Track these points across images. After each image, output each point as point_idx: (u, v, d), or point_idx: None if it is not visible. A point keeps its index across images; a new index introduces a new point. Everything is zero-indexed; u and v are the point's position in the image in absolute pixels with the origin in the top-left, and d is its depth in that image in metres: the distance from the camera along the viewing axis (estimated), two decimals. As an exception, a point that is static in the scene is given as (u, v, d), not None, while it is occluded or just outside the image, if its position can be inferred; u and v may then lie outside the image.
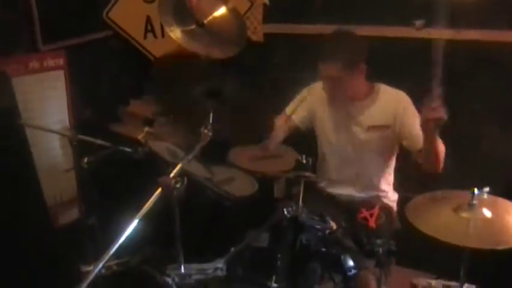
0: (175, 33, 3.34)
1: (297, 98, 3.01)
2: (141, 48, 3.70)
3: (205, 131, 2.17)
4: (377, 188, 2.93)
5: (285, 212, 2.12)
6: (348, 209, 2.55)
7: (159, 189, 2.00)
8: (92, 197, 2.99)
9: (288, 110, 3.00)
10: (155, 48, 3.76)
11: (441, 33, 3.39)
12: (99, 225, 2.78)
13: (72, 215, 3.52)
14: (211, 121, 2.18)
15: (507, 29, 3.18)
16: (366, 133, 2.83)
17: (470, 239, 2.10)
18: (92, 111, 3.34)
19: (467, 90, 3.33)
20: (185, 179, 2.03)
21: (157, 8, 3.43)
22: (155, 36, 3.76)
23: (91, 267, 2.39)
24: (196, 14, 3.38)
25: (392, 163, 2.98)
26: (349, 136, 2.88)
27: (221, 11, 3.47)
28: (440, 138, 3.08)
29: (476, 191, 2.16)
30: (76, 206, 3.53)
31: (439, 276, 2.56)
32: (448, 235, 2.09)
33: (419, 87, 2.92)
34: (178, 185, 2.01)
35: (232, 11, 3.53)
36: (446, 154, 3.14)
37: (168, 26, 3.34)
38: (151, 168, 2.61)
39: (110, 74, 3.49)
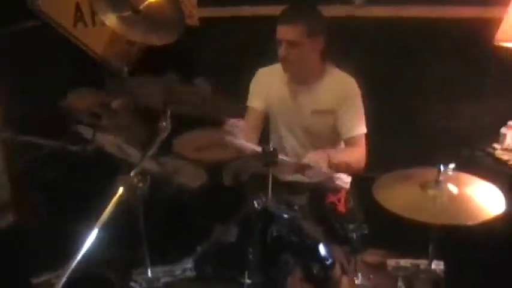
0: (110, 20, 3.16)
1: (251, 89, 2.94)
2: (71, 38, 3.47)
3: (164, 123, 2.03)
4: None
5: (255, 204, 2.02)
6: (312, 195, 2.49)
7: (120, 190, 1.85)
8: (33, 200, 2.79)
9: (249, 103, 2.92)
10: (86, 37, 3.55)
11: (382, 11, 3.40)
12: (46, 230, 2.59)
13: (5, 220, 3.27)
14: (169, 113, 2.04)
15: (449, 4, 3.20)
16: (310, 117, 2.80)
17: (438, 216, 2.08)
18: (26, 108, 3.10)
19: (413, 67, 3.35)
20: (148, 177, 1.89)
21: (90, -6, 3.26)
22: (86, 25, 3.54)
23: (43, 278, 2.23)
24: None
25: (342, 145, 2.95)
26: (296, 120, 2.84)
27: (157, -5, 3.33)
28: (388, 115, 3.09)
29: (442, 167, 2.14)
30: (10, 210, 3.30)
31: (405, 254, 2.55)
32: (415, 213, 2.06)
33: (358, 67, 2.92)
34: (141, 184, 1.87)
35: (169, -5, 3.39)
36: (398, 130, 3.15)
37: (102, 13, 3.15)
38: (102, 166, 2.46)
39: (42, 67, 3.23)
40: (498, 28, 2.86)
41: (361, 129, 2.77)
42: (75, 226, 2.06)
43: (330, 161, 2.51)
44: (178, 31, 3.36)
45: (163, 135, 2.06)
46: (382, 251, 2.55)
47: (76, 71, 3.32)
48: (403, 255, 2.51)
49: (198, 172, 3.12)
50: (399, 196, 2.16)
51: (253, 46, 3.69)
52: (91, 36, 3.55)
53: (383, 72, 3.42)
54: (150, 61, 3.67)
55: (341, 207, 2.13)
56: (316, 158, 2.45)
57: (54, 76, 3.16)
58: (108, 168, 2.37)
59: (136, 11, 3.22)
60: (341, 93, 2.75)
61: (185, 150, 3.17)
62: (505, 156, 3.01)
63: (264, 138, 2.93)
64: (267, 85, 2.91)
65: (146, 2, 3.27)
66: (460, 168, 2.23)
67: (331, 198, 2.18)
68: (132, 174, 1.90)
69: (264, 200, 2.02)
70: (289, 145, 2.88)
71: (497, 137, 3.10)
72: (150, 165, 2.65)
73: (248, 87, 3.03)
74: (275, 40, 2.74)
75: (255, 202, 2.02)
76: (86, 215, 1.88)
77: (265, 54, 3.38)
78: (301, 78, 2.81)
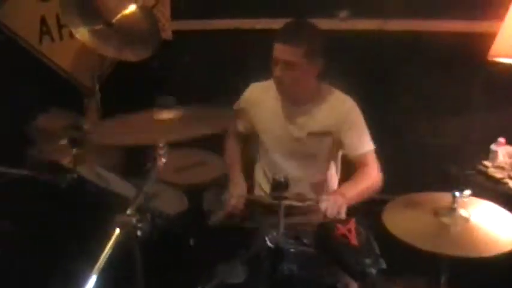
0: (82, 34, 2.99)
1: (240, 101, 2.80)
2: (37, 54, 3.22)
3: (160, 152, 1.84)
4: (319, 194, 2.73)
5: (268, 241, 1.83)
6: (319, 227, 2.31)
7: (117, 231, 1.65)
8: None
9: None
10: (53, 52, 3.32)
11: (367, 24, 3.29)
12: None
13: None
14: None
15: (436, 18, 3.12)
16: (306, 139, 2.65)
17: (452, 247, 1.94)
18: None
19: (399, 82, 3.26)
20: (148, 215, 1.68)
21: (59, 7, 3.04)
22: (52, 39, 3.30)
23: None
24: (104, 12, 3.02)
25: (335, 167, 2.82)
26: (291, 140, 2.69)
27: (131, 8, 3.16)
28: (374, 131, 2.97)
29: (457, 194, 2.02)
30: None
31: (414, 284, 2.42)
32: (428, 243, 1.93)
33: (343, 82, 2.79)
34: (140, 224, 1.66)
35: (143, 8, 3.22)
36: (385, 146, 3.04)
37: (73, 26, 2.98)
38: (83, 199, 2.23)
39: (8, 86, 2.98)
40: (487, 43, 2.78)
41: (369, 145, 2.64)
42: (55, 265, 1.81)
43: (347, 200, 2.37)
44: (153, 45, 3.19)
45: (159, 165, 1.86)
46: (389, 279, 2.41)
47: (46, 90, 3.09)
48: (412, 285, 2.38)
49: (178, 197, 2.92)
50: (410, 223, 2.03)
51: (229, 60, 3.55)
52: (58, 51, 3.34)
53: (368, 88, 3.28)
54: (121, 76, 3.47)
55: (353, 240, 1.95)
56: (332, 206, 2.29)
57: (23, 95, 2.92)
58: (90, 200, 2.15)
59: (109, 24, 3.07)
60: (339, 114, 2.62)
61: (165, 173, 2.96)
62: (498, 174, 2.92)
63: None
64: (259, 102, 2.75)
65: (119, 15, 3.11)
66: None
67: (341, 229, 2.00)
68: (128, 212, 1.69)
69: (276, 236, 1.84)
70: (280, 167, 2.71)
71: (486, 154, 3.02)
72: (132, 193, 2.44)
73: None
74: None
75: (266, 238, 1.83)
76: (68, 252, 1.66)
77: (241, 69, 3.25)
78: (295, 100, 2.66)
